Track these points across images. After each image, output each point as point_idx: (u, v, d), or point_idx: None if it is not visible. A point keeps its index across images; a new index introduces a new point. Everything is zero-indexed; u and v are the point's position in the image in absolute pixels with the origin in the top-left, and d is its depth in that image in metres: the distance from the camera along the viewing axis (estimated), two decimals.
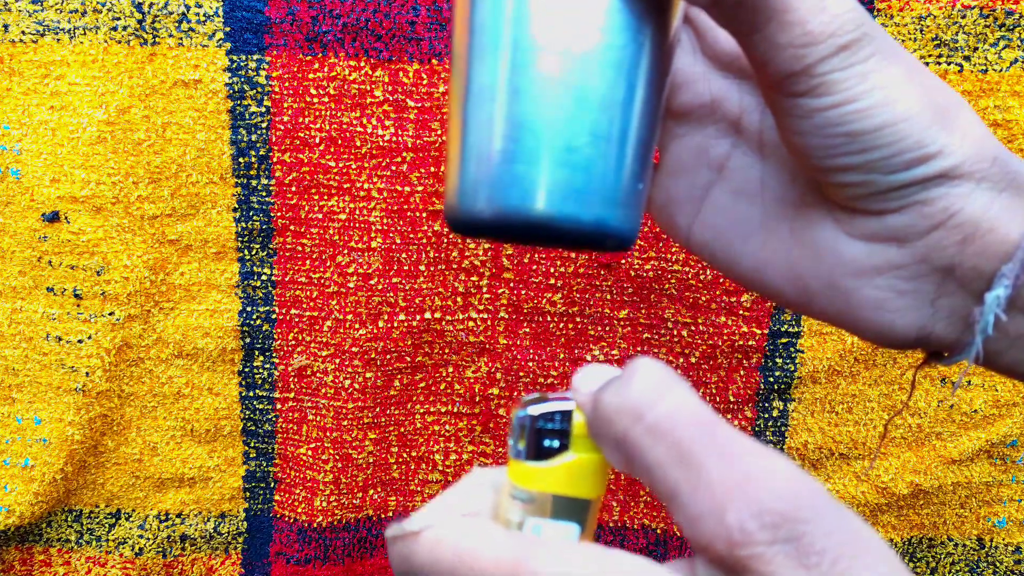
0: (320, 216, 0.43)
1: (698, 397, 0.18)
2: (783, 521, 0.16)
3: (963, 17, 0.39)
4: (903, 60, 0.21)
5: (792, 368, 0.45)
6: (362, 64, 0.40)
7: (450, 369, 0.46)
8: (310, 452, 0.47)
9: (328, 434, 0.46)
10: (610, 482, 0.47)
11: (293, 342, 0.45)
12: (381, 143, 0.41)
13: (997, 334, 0.21)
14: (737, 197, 0.25)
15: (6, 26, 0.40)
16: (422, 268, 0.43)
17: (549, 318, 0.44)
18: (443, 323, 0.44)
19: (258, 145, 0.42)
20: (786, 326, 0.44)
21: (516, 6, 0.21)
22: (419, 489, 0.48)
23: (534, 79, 0.21)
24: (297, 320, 0.45)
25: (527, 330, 0.45)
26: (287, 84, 0.41)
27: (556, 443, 0.21)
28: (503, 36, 0.21)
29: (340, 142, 0.42)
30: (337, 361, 0.45)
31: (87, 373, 0.44)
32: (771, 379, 0.45)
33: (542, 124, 0.21)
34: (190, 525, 0.48)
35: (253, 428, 0.47)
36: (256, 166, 0.42)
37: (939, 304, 0.22)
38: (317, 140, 0.42)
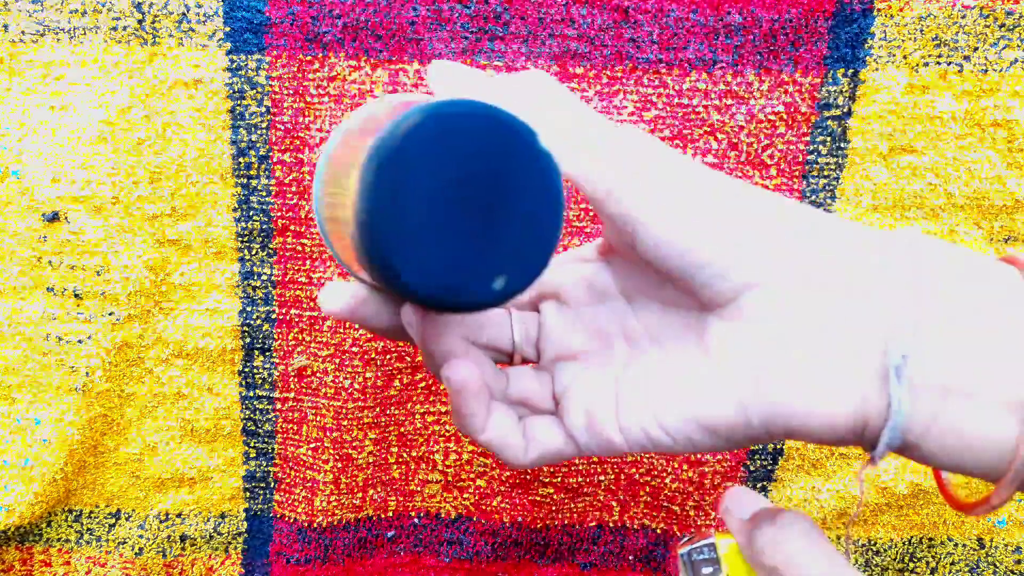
0: None
1: (829, 543, 0.25)
2: None
3: (963, 17, 0.39)
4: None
5: None
6: (362, 64, 0.40)
7: None
8: (310, 452, 0.47)
9: (328, 434, 0.46)
10: (610, 482, 0.47)
11: (293, 342, 0.45)
12: None
13: (908, 423, 0.21)
14: (649, 377, 0.26)
15: (6, 26, 0.40)
16: None
17: None
18: None
19: (258, 145, 0.42)
20: None
21: None
22: (419, 489, 0.48)
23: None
24: (297, 320, 0.45)
25: None
26: (287, 84, 0.41)
27: (711, 569, 0.27)
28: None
29: None
30: (337, 361, 0.45)
31: (87, 373, 0.44)
32: None
33: None
34: (190, 525, 0.48)
35: (253, 428, 0.47)
36: (256, 166, 0.42)
37: (864, 383, 0.22)
38: (317, 140, 0.42)
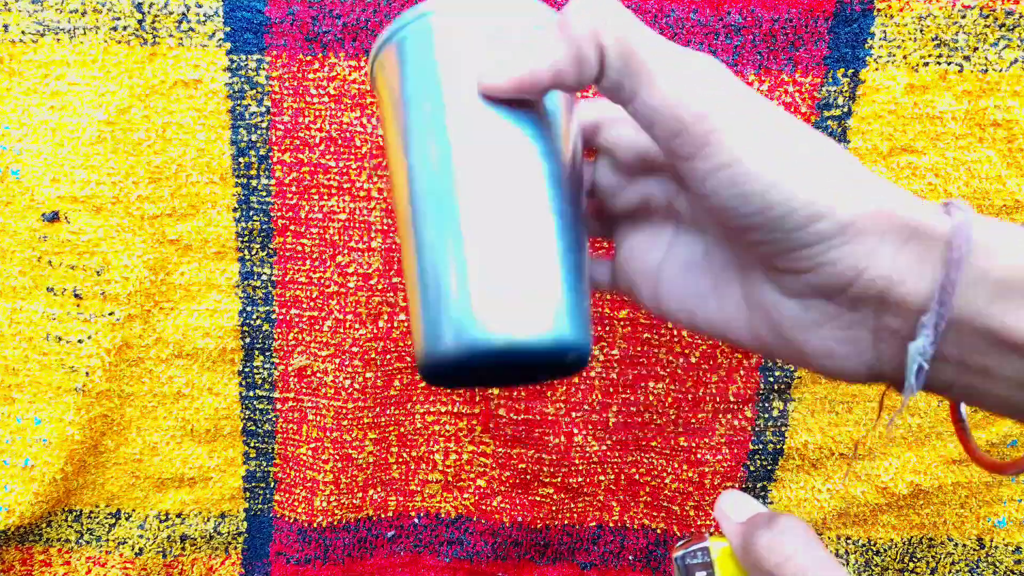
0: (320, 216, 0.43)
1: (825, 548, 0.26)
2: None
3: (963, 17, 0.39)
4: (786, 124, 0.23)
5: (792, 368, 0.45)
6: (362, 64, 0.40)
7: None
8: (310, 452, 0.47)
9: (328, 434, 0.46)
10: (610, 482, 0.47)
11: (293, 342, 0.45)
12: (381, 143, 0.41)
13: (940, 364, 0.22)
14: (688, 270, 0.27)
15: (6, 26, 0.40)
16: None
17: None
18: None
19: (258, 145, 0.42)
20: None
21: (448, 175, 0.24)
22: (419, 489, 0.48)
23: (473, 227, 0.24)
24: (297, 320, 0.45)
25: None
26: (287, 84, 0.41)
27: (704, 573, 0.29)
28: (444, 201, 0.24)
29: (340, 142, 0.42)
30: (337, 361, 0.45)
31: (87, 373, 0.44)
32: (771, 379, 0.45)
33: (487, 263, 0.23)
34: (190, 525, 0.48)
35: (253, 428, 0.47)
36: (256, 166, 0.42)
37: (881, 348, 0.23)
38: (317, 140, 0.42)
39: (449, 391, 0.46)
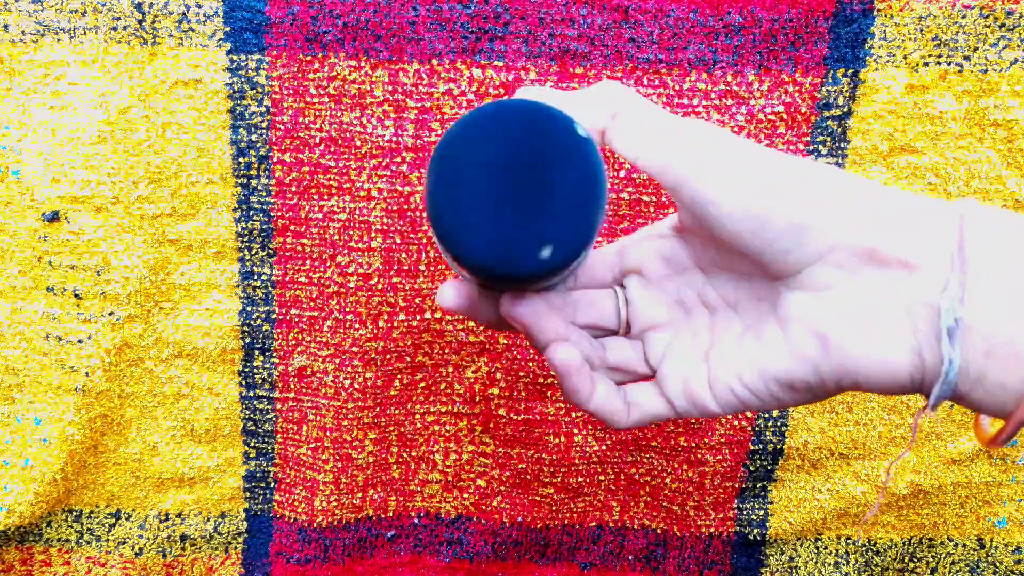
0: (320, 216, 0.43)
1: None
2: None
3: (963, 17, 0.39)
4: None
5: None
6: (362, 64, 0.40)
7: (450, 369, 0.46)
8: (310, 452, 0.47)
9: (328, 434, 0.46)
10: (610, 482, 0.47)
11: (293, 342, 0.45)
12: (381, 143, 0.41)
13: (959, 377, 0.23)
14: (739, 338, 0.27)
15: (6, 26, 0.40)
16: (422, 268, 0.43)
17: None
18: (443, 323, 0.44)
19: (258, 145, 0.42)
20: None
21: None
22: (419, 489, 0.48)
23: None
24: (297, 320, 0.45)
25: None
26: (287, 84, 0.41)
27: None
28: None
29: (340, 142, 0.42)
30: (337, 361, 0.45)
31: (87, 373, 0.44)
32: None
33: None
34: (190, 525, 0.48)
35: (253, 428, 0.47)
36: (256, 166, 0.42)
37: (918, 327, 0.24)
38: (317, 140, 0.42)
39: (449, 393, 0.46)
